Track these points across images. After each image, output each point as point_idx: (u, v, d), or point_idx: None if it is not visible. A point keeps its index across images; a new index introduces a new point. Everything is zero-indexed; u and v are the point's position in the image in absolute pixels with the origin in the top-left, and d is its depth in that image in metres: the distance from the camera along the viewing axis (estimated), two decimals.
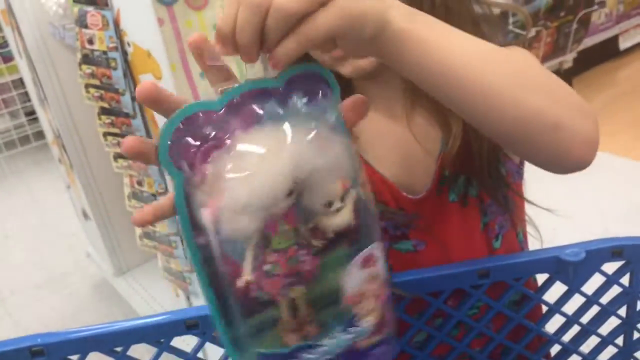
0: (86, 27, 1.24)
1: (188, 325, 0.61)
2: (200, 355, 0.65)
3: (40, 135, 3.22)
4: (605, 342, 0.71)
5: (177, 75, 1.22)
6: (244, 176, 0.38)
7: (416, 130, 0.66)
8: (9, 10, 1.78)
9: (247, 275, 0.39)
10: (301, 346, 0.41)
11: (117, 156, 1.42)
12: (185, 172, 0.40)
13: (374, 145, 0.68)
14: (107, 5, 1.18)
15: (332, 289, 0.42)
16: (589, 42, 3.15)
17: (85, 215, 2.10)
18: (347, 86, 0.64)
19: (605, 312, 0.68)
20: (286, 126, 0.40)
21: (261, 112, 0.41)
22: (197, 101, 0.41)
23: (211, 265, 0.40)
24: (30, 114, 3.33)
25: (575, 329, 0.69)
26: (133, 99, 1.25)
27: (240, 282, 0.39)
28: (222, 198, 0.38)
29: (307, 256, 0.40)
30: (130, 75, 1.24)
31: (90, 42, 1.24)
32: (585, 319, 0.69)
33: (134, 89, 1.25)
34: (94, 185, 1.90)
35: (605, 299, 0.68)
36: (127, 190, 1.48)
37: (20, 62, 1.97)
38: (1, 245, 2.68)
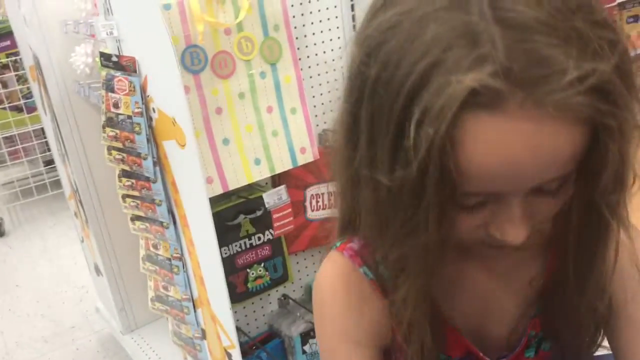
0: (112, 91, 1.25)
1: None
2: None
3: (57, 184, 3.22)
4: None
5: (201, 142, 1.23)
6: None
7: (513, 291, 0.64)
8: (37, 66, 1.81)
9: None
10: None
11: (135, 218, 1.41)
12: None
13: (454, 294, 0.64)
14: (135, 71, 1.20)
15: None
16: None
17: (97, 270, 2.08)
18: None
19: None
20: None
21: None
22: None
23: None
24: (49, 163, 3.36)
25: None
26: (155, 163, 1.25)
27: None
28: None
29: None
30: (153, 140, 1.24)
31: (116, 106, 1.25)
32: None
33: (157, 153, 1.25)
34: (108, 243, 1.89)
35: None
36: (142, 253, 1.46)
37: (44, 118, 1.99)
38: (11, 294, 2.66)
